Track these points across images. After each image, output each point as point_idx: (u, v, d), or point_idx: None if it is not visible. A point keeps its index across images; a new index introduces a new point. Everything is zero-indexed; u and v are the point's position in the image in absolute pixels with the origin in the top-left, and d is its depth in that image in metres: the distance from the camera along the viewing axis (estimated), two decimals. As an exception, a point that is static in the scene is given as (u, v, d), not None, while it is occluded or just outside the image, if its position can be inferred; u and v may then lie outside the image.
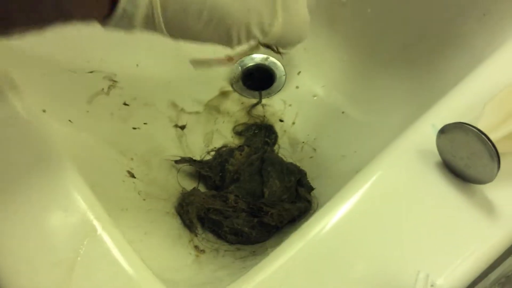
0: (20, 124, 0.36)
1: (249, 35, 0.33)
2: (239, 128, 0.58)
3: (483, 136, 0.30)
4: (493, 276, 0.32)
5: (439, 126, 0.34)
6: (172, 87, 0.59)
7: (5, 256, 0.30)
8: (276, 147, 0.56)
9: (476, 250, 0.31)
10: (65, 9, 0.28)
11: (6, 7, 0.26)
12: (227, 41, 0.33)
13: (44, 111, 0.43)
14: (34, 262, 0.30)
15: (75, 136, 0.44)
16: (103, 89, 0.54)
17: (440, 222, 0.32)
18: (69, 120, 0.45)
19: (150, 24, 0.31)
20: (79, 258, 0.31)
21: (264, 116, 0.59)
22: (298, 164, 0.54)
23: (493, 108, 0.34)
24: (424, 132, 0.36)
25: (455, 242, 0.32)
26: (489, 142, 0.30)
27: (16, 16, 0.27)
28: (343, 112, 0.58)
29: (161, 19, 0.31)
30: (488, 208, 0.32)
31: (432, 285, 0.27)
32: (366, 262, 0.31)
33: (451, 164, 0.34)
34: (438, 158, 0.35)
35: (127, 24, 0.31)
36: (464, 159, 0.32)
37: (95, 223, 0.33)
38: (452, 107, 0.37)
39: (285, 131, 0.58)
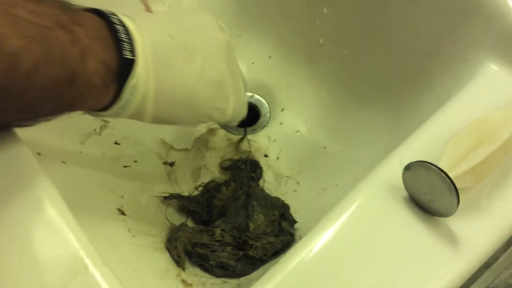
0: (16, 167, 0.39)
1: (211, 118, 0.44)
2: (226, 164, 0.61)
3: (442, 173, 0.33)
4: (457, 303, 0.34)
5: (406, 163, 0.36)
6: (162, 125, 0.62)
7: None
8: (261, 181, 0.59)
9: (441, 279, 0.34)
10: (78, 108, 0.36)
11: (36, 108, 0.33)
12: (195, 123, 0.45)
13: (39, 154, 0.45)
14: (28, 299, 0.32)
15: (68, 177, 0.46)
16: (95, 129, 0.56)
17: (408, 253, 0.35)
18: (63, 161, 0.48)
19: (138, 113, 0.39)
20: (71, 295, 0.33)
21: (250, 151, 0.62)
22: (282, 197, 0.57)
23: (454, 146, 0.36)
24: (393, 168, 0.39)
25: (421, 272, 0.34)
26: (447, 179, 0.33)
27: (42, 115, 0.35)
28: (324, 147, 0.61)
29: (150, 112, 0.39)
30: (451, 239, 0.35)
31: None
32: (339, 293, 0.34)
33: (416, 198, 0.36)
34: (405, 193, 0.37)
35: (117, 113, 0.38)
36: (427, 194, 0.35)
37: (87, 260, 0.35)
38: (419, 145, 0.40)
39: (269, 165, 0.61)
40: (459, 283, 0.34)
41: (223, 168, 0.60)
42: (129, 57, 0.36)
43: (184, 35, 0.40)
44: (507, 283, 0.37)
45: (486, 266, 0.36)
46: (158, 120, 0.41)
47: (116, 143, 0.58)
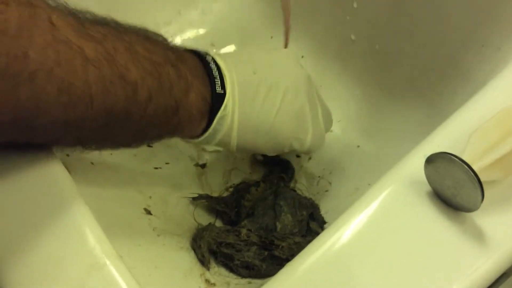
0: (41, 167, 0.40)
1: (291, 148, 0.47)
2: (259, 157, 0.60)
3: (465, 165, 0.31)
4: (484, 304, 0.32)
5: (429, 156, 0.34)
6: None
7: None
8: (293, 182, 0.58)
9: (467, 278, 0.31)
10: (176, 135, 0.42)
11: (146, 133, 0.38)
12: (276, 152, 0.48)
13: (67, 155, 0.47)
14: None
15: (95, 177, 0.47)
16: (128, 133, 0.57)
17: (431, 250, 0.33)
18: (91, 163, 0.49)
19: (224, 142, 0.43)
20: (86, 289, 0.34)
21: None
22: (313, 198, 0.55)
23: (479, 137, 0.34)
24: (417, 163, 0.37)
25: (446, 269, 0.32)
26: (470, 171, 0.31)
27: (148, 139, 0.40)
28: (358, 146, 0.60)
29: (235, 141, 0.43)
30: (477, 236, 0.33)
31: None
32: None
33: (439, 193, 0.34)
34: (429, 187, 0.35)
35: (207, 141, 0.43)
36: (450, 188, 0.33)
37: (103, 257, 0.35)
38: (446, 138, 0.38)
39: (301, 166, 0.60)
40: (487, 282, 0.31)
41: (257, 161, 0.59)
42: (220, 91, 0.41)
43: (266, 71, 0.44)
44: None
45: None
46: (242, 148, 0.45)
47: (148, 145, 0.58)
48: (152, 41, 0.37)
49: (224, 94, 0.41)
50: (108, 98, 0.32)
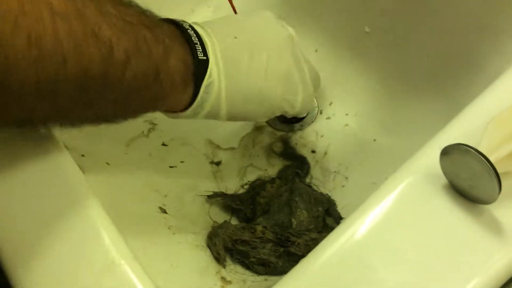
0: (54, 168, 0.40)
1: (282, 111, 0.46)
2: (277, 148, 0.59)
3: (480, 155, 0.30)
4: (503, 299, 0.31)
5: (445, 148, 0.34)
6: (209, 126, 0.62)
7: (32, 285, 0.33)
8: (308, 177, 0.57)
9: (487, 270, 0.31)
10: (160, 105, 0.40)
11: (126, 102, 0.35)
12: (267, 117, 0.47)
13: (83, 155, 0.47)
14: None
15: (110, 176, 0.48)
16: (143, 132, 0.58)
17: (448, 245, 0.32)
18: (107, 163, 0.49)
19: (213, 112, 0.41)
20: (101, 289, 0.34)
21: (297, 148, 0.60)
22: (329, 193, 0.55)
23: (496, 127, 0.33)
24: (432, 155, 0.36)
25: (462, 265, 0.31)
26: (486, 162, 0.30)
27: (130, 110, 0.38)
28: (374, 140, 0.59)
29: (225, 109, 0.41)
30: (495, 228, 0.32)
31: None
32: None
33: (456, 185, 0.33)
34: (445, 180, 0.34)
35: (195, 113, 0.41)
36: (467, 180, 0.32)
37: (118, 257, 0.35)
38: (462, 129, 0.37)
39: (317, 161, 0.59)
40: (506, 276, 0.31)
41: (272, 156, 0.59)
42: (202, 57, 0.39)
43: (247, 34, 0.43)
44: None
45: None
46: (233, 117, 0.43)
47: (163, 144, 0.59)
48: (124, 4, 0.35)
49: (207, 60, 0.39)
50: (82, 58, 0.30)
